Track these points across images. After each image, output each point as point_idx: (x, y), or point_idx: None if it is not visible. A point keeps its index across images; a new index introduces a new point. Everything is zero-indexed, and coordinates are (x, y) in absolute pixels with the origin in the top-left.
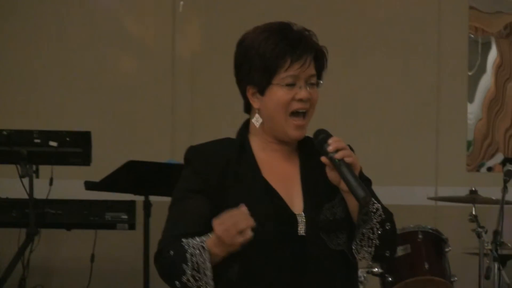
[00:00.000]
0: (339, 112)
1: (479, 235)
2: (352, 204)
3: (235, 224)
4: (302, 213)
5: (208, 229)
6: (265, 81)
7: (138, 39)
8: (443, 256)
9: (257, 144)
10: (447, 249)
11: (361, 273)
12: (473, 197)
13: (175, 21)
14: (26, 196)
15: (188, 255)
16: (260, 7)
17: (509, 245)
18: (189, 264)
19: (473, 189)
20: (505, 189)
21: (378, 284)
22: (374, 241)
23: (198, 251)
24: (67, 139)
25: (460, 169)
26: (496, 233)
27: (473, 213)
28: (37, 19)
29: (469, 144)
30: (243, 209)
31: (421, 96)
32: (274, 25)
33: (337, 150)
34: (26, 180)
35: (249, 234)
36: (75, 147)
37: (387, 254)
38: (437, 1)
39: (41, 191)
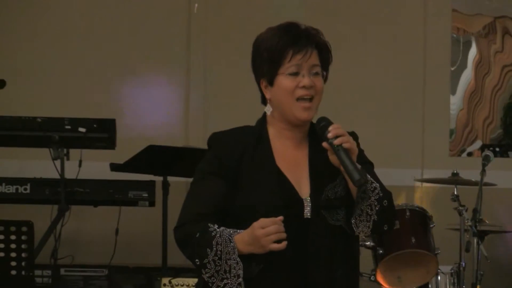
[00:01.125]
0: (336, 102)
1: (460, 213)
2: (352, 181)
3: (277, 231)
4: (308, 197)
5: (222, 209)
6: (272, 72)
7: (155, 32)
8: (428, 231)
9: (272, 133)
10: (431, 225)
11: None
12: (455, 179)
13: (190, 20)
14: (58, 176)
15: (214, 242)
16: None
17: (487, 222)
18: (214, 250)
19: (455, 172)
20: (483, 172)
21: (370, 256)
22: (372, 217)
23: (225, 242)
24: (94, 125)
25: (443, 154)
26: (475, 211)
27: (455, 193)
28: (65, 14)
29: (451, 132)
30: (280, 220)
31: (409, 89)
32: (283, 24)
33: (336, 137)
34: (58, 162)
35: (284, 245)
36: (101, 133)
37: (386, 228)
38: (423, 4)
39: (71, 172)
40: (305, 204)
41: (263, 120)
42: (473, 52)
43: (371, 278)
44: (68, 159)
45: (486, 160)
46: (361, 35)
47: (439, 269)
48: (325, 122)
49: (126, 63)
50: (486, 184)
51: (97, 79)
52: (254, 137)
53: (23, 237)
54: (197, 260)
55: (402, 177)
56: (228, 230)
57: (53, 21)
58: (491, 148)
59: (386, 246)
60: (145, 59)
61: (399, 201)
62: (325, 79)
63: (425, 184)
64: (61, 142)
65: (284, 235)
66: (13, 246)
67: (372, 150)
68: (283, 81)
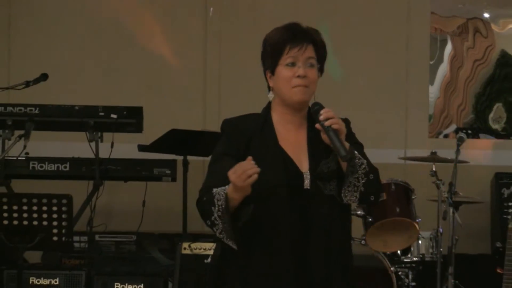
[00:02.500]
0: (331, 91)
1: (438, 186)
2: (340, 157)
3: (244, 171)
4: (308, 171)
5: None
6: (273, 63)
7: (175, 32)
8: (410, 202)
9: (275, 118)
10: (413, 197)
11: None
12: (433, 157)
13: (206, 22)
14: (93, 156)
15: (215, 200)
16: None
17: (461, 194)
18: (216, 207)
19: (433, 151)
20: (457, 151)
21: (361, 224)
22: (359, 188)
23: (222, 196)
24: (124, 112)
25: (423, 136)
26: (451, 185)
27: (433, 169)
28: (97, 17)
29: (430, 117)
30: (249, 160)
31: (394, 80)
32: (286, 24)
33: (327, 119)
34: (93, 144)
35: (255, 177)
36: (130, 119)
37: (372, 199)
38: (407, 7)
39: (104, 152)
40: (304, 177)
41: (267, 107)
42: (448, 48)
43: (362, 242)
44: (101, 141)
45: (460, 141)
46: (354, 34)
47: (420, 235)
48: (318, 107)
49: (151, 58)
50: (460, 161)
51: (127, 73)
52: (260, 122)
53: (63, 208)
54: (208, 221)
55: (388, 156)
56: (223, 187)
57: (87, 23)
58: (464, 131)
59: (374, 215)
60: (169, 55)
61: (386, 176)
62: (321, 71)
63: (408, 162)
64: (96, 127)
65: (252, 170)
66: (55, 216)
67: (363, 133)
68: (282, 70)
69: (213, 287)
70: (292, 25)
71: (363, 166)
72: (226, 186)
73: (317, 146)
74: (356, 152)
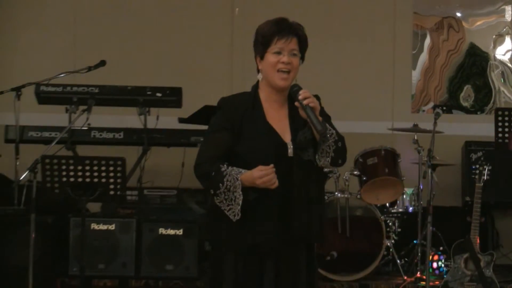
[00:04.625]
0: (328, 76)
1: (419, 152)
2: (316, 130)
3: (270, 179)
4: (290, 141)
5: (229, 153)
6: (263, 50)
7: (206, 28)
8: (396, 164)
9: (263, 97)
10: (399, 160)
11: (346, 175)
12: (415, 129)
13: (233, 22)
14: (142, 127)
15: (224, 179)
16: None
17: (437, 158)
18: (224, 184)
19: (415, 124)
20: (434, 124)
21: (357, 182)
22: (330, 153)
23: (232, 179)
24: (167, 92)
25: (407, 111)
26: (429, 150)
27: (415, 138)
28: (141, 14)
29: (412, 96)
30: (272, 170)
31: (383, 66)
32: (275, 18)
33: (304, 98)
34: (142, 117)
35: (275, 186)
36: (172, 97)
37: (340, 162)
38: (393, 8)
39: (151, 123)
40: (288, 146)
41: (256, 87)
42: (427, 41)
43: (358, 196)
44: (149, 114)
45: (436, 116)
46: (351, 29)
47: (404, 190)
48: (296, 88)
49: (189, 49)
50: (437, 132)
51: (170, 60)
52: (251, 100)
53: (118, 169)
54: (212, 190)
55: (379, 128)
56: (235, 170)
57: (135, 20)
58: (440, 107)
59: (368, 174)
60: (202, 47)
61: (376, 143)
62: (302, 59)
63: (395, 132)
64: (144, 103)
65: (275, 181)
66: (111, 174)
67: (359, 109)
68: (270, 57)
69: (208, 231)
70: (281, 20)
71: (333, 136)
72: (237, 170)
73: (296, 121)
74: (327, 124)
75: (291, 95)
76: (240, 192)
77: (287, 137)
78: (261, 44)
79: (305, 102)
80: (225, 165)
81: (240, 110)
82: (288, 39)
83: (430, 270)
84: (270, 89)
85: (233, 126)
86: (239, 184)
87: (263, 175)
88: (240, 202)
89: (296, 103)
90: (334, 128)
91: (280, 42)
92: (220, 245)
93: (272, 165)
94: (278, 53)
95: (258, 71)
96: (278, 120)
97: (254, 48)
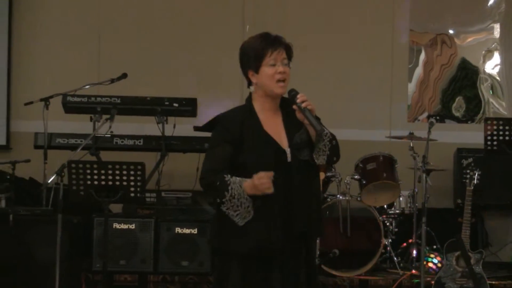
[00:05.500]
0: (331, 89)
1: (414, 158)
2: (312, 131)
3: (268, 184)
4: (288, 148)
5: (231, 164)
6: (257, 64)
7: (217, 42)
8: (394, 169)
9: (257, 107)
10: (396, 165)
11: (347, 179)
12: (411, 136)
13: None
14: (160, 134)
15: (229, 187)
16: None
17: (431, 163)
18: (229, 192)
19: (411, 132)
20: (429, 132)
21: (357, 185)
22: (326, 152)
23: (236, 187)
24: (183, 102)
25: (403, 120)
26: (424, 157)
27: (411, 145)
28: (153, 25)
29: (408, 106)
30: (271, 174)
31: (382, 79)
32: (259, 34)
33: (302, 102)
34: (160, 125)
35: (272, 190)
36: (187, 107)
37: (335, 159)
38: (391, 25)
39: (168, 131)
40: (286, 152)
41: (249, 98)
42: (422, 56)
43: (358, 199)
44: (167, 123)
45: (431, 125)
46: (351, 45)
47: (401, 193)
48: (294, 92)
49: (203, 63)
50: (431, 139)
51: (185, 73)
52: (247, 112)
53: (138, 172)
54: (218, 199)
55: (378, 135)
56: (238, 179)
57: (152, 35)
58: (433, 117)
59: (367, 178)
60: (214, 61)
61: (375, 150)
62: (289, 66)
63: (392, 140)
64: (162, 112)
65: (271, 189)
66: (132, 178)
67: (360, 119)
68: (267, 70)
69: (214, 232)
70: (266, 34)
71: (328, 135)
72: (239, 179)
73: (291, 126)
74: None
75: (283, 102)
76: (246, 197)
77: (284, 143)
78: (254, 59)
79: (303, 104)
80: (228, 176)
81: (238, 122)
82: (280, 50)
83: (425, 267)
84: (265, 99)
85: (233, 137)
86: (243, 191)
87: (260, 178)
88: (250, 204)
89: (294, 106)
90: (326, 128)
91: (274, 54)
92: (226, 249)
93: (272, 173)
94: (273, 64)
95: (249, 84)
96: (274, 128)
97: (244, 64)
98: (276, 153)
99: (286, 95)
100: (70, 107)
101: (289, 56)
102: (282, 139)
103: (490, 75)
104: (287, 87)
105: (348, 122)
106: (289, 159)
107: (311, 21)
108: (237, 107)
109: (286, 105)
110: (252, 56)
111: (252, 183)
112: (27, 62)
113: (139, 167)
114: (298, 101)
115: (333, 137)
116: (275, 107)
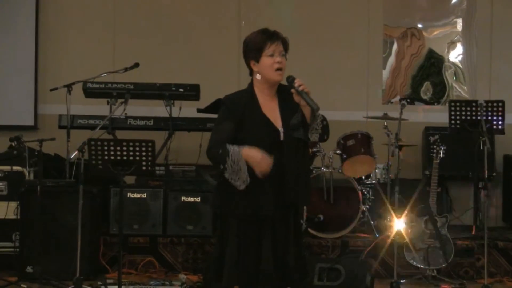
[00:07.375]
0: (315, 76)
1: (388, 135)
2: (307, 112)
3: (266, 163)
4: (281, 127)
5: (233, 139)
6: (258, 55)
7: (217, 35)
8: (370, 145)
9: (257, 92)
10: (372, 142)
11: (330, 153)
12: (385, 117)
13: (240, 34)
14: (168, 115)
15: (230, 154)
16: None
17: (402, 140)
18: (230, 157)
19: (385, 113)
20: (400, 113)
21: (339, 159)
22: (319, 130)
23: (236, 153)
24: (188, 87)
25: (378, 102)
26: (397, 134)
27: (385, 124)
28: (159, 21)
29: (383, 91)
30: (269, 159)
31: (359, 67)
32: (260, 29)
33: (300, 85)
34: (168, 108)
35: (267, 171)
36: (191, 92)
37: (326, 137)
38: (367, 21)
39: (175, 113)
40: (280, 132)
41: (251, 84)
42: (395, 47)
43: (339, 171)
44: (173, 106)
45: (402, 106)
46: (332, 39)
47: (377, 166)
48: (292, 78)
49: (204, 54)
50: (402, 119)
51: (189, 61)
52: (248, 95)
53: (149, 149)
54: (221, 165)
55: (356, 116)
56: (237, 147)
57: (161, 29)
58: (404, 100)
59: (347, 153)
60: (215, 52)
61: (354, 129)
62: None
63: (369, 120)
64: (170, 97)
65: (268, 169)
66: (144, 153)
67: (341, 102)
68: (266, 60)
69: (216, 199)
70: (266, 29)
71: (320, 116)
72: (239, 147)
73: (286, 110)
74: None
75: (280, 89)
76: (245, 163)
77: (278, 123)
78: (256, 50)
79: (301, 87)
80: (229, 145)
81: (241, 104)
82: (278, 43)
83: (397, 229)
84: (265, 85)
85: (236, 117)
86: (241, 156)
87: (263, 160)
88: (246, 170)
89: (293, 90)
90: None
91: (273, 46)
92: (227, 214)
93: (272, 160)
94: (272, 55)
95: (250, 72)
96: (271, 110)
97: (247, 55)
98: (271, 132)
99: (283, 82)
100: (90, 92)
101: (286, 49)
102: (277, 120)
103: (453, 63)
104: (283, 75)
105: (331, 105)
106: (281, 138)
107: (298, 20)
108: (240, 90)
109: (282, 91)
110: (253, 48)
111: (249, 150)
112: (52, 54)
113: (150, 144)
114: (295, 85)
115: (324, 118)
116: (272, 92)
